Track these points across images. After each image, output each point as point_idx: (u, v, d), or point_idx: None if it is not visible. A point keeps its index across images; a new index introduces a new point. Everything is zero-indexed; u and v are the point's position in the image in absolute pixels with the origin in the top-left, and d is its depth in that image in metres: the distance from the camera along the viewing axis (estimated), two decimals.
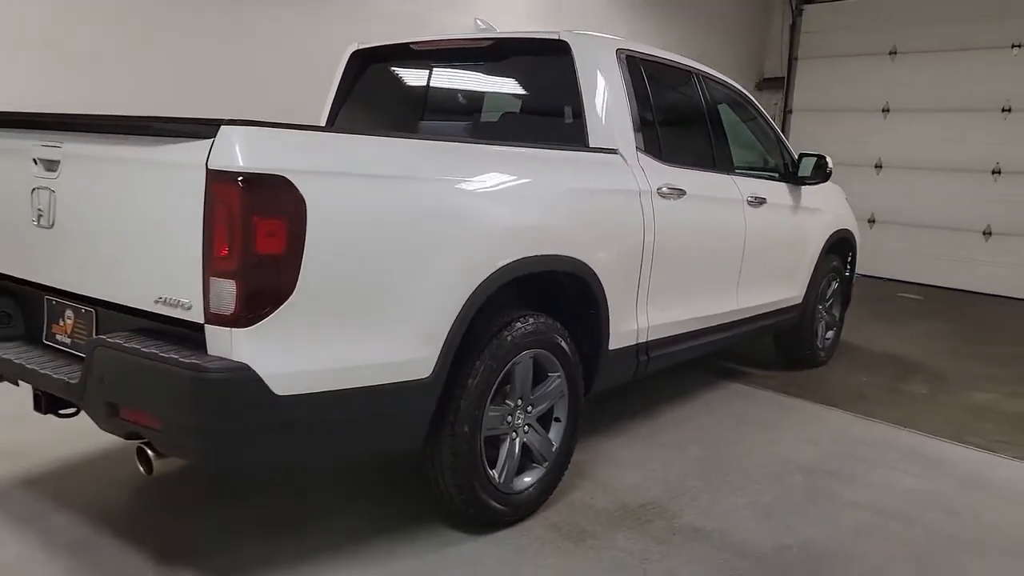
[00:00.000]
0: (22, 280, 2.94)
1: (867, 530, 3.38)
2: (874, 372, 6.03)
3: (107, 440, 3.67)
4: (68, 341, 2.82)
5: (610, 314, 3.58)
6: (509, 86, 4.41)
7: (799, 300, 5.51)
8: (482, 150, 3.14)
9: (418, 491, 3.37)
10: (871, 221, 10.79)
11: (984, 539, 3.36)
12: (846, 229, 5.99)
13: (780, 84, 12.09)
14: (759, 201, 4.74)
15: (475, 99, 4.51)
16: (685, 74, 4.57)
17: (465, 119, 4.48)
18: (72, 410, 2.85)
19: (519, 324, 3.10)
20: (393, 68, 4.69)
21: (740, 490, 3.70)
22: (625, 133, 3.77)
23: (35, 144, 2.75)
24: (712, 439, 4.35)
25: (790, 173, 5.28)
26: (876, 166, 11.02)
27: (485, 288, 2.85)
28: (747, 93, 5.31)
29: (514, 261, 2.97)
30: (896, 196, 10.74)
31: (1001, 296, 9.99)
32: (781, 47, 12.10)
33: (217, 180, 2.22)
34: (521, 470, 3.25)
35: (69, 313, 2.81)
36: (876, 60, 10.99)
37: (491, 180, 3.01)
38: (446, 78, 4.54)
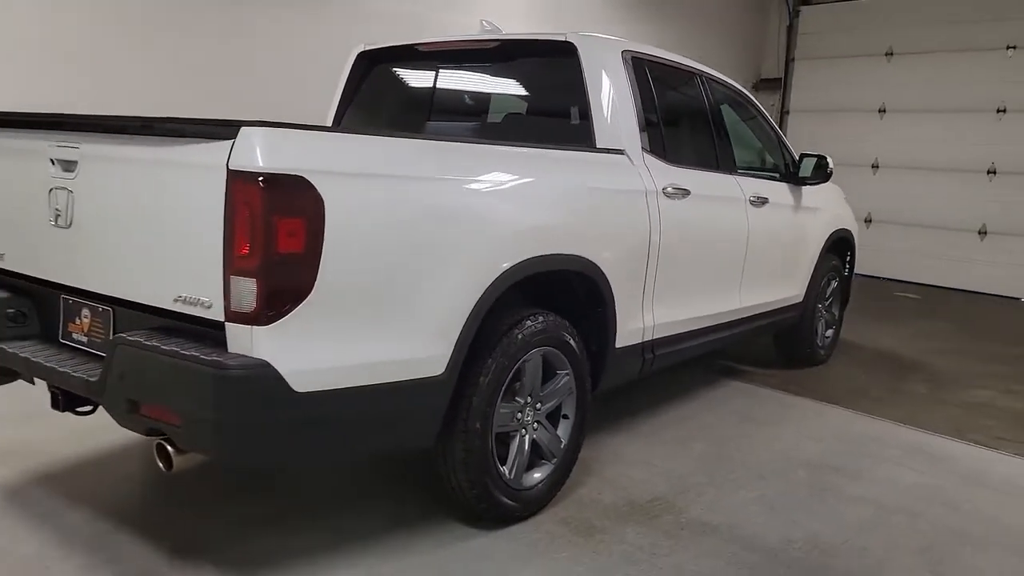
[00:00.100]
0: (38, 279, 2.97)
1: (872, 524, 3.43)
2: (873, 370, 6.09)
3: (116, 438, 3.76)
4: (85, 340, 2.85)
5: (617, 312, 3.62)
6: (515, 87, 4.46)
7: (800, 299, 5.56)
8: (494, 151, 3.18)
9: (429, 487, 3.41)
10: (868, 221, 10.85)
11: (987, 534, 3.41)
12: (845, 229, 6.05)
13: (777, 85, 12.16)
14: (761, 201, 4.79)
15: (481, 100, 4.56)
16: (688, 75, 4.62)
17: (471, 120, 4.52)
18: (89, 408, 2.89)
19: (529, 322, 3.14)
20: (399, 69, 4.73)
21: (745, 486, 3.75)
22: (631, 134, 3.82)
23: (52, 145, 2.78)
24: (715, 436, 4.40)
25: (791, 173, 5.33)
26: (873, 166, 11.09)
27: (497, 286, 2.89)
28: (748, 94, 5.36)
29: (526, 260, 3.01)
30: (893, 196, 10.82)
31: (997, 295, 10.07)
32: (778, 48, 12.17)
33: (238, 180, 2.26)
34: (531, 466, 3.30)
35: (86, 312, 2.84)
36: (873, 61, 11.07)
37: (503, 180, 3.05)
38: (452, 79, 4.58)
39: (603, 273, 3.47)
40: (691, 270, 4.19)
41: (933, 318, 8.60)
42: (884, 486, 3.83)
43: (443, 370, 2.77)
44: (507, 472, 3.14)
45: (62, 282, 2.85)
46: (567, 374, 3.37)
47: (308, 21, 6.93)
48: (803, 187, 5.37)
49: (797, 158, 5.37)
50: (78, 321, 2.87)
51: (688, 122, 4.69)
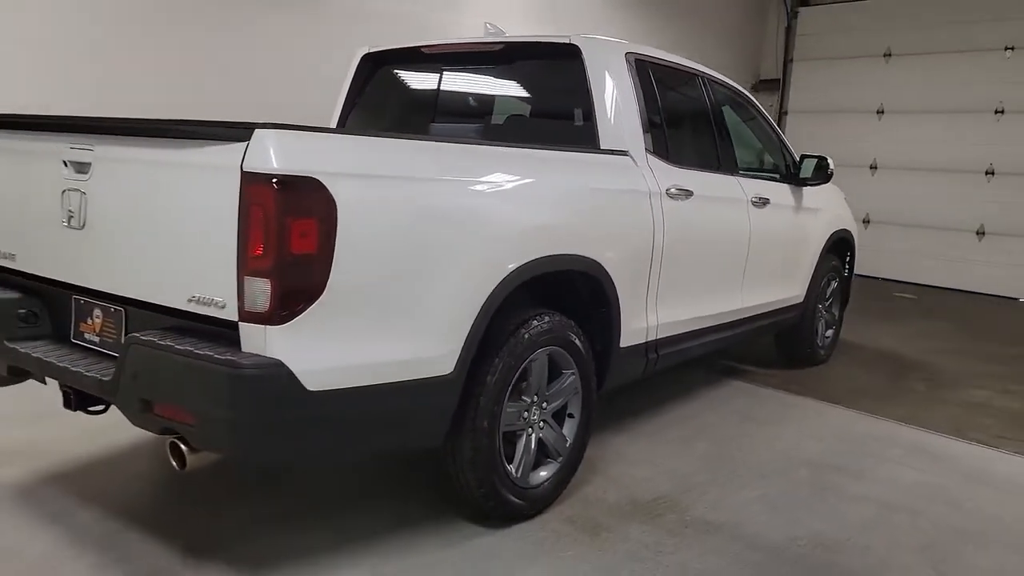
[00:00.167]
0: (49, 280, 2.99)
1: (874, 523, 3.46)
2: (873, 370, 6.13)
3: (125, 437, 3.79)
4: (96, 340, 2.88)
5: (621, 313, 3.65)
6: (519, 89, 4.49)
7: (800, 299, 5.60)
8: (503, 152, 3.20)
9: (435, 486, 3.44)
10: (866, 221, 10.90)
11: (988, 532, 3.45)
12: (845, 229, 6.09)
13: (776, 86, 12.20)
14: (763, 202, 4.82)
15: (485, 102, 4.59)
16: (690, 76, 4.65)
17: (475, 122, 4.55)
18: (101, 407, 2.91)
19: (535, 322, 3.17)
20: (403, 71, 4.76)
21: (748, 485, 3.78)
22: (635, 135, 3.85)
23: (65, 146, 2.80)
24: (717, 435, 4.43)
25: (792, 174, 5.37)
26: (871, 167, 11.14)
27: (505, 286, 2.92)
28: (749, 95, 5.39)
29: (533, 260, 3.04)
30: (891, 197, 10.86)
31: (994, 295, 10.12)
32: (776, 49, 12.22)
33: (252, 182, 2.29)
34: (537, 465, 3.33)
35: (97, 312, 2.86)
36: (871, 62, 11.12)
37: (511, 182, 3.08)
38: (456, 81, 4.61)
39: (608, 273, 3.50)
40: (694, 270, 4.23)
41: (932, 318, 8.64)
42: (886, 485, 3.86)
43: (452, 369, 2.80)
44: (514, 471, 3.17)
45: (74, 282, 2.88)
46: (573, 374, 3.40)
47: (308, 21, 6.95)
48: (804, 188, 5.41)
49: (798, 159, 5.40)
50: (90, 321, 2.89)
51: (690, 123, 4.72)
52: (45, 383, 3.04)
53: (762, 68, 12.44)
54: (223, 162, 2.34)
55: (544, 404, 3.31)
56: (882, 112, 11.07)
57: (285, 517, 3.21)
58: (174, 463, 2.54)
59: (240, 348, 2.37)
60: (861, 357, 6.51)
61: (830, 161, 5.30)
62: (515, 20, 8.39)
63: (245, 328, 2.35)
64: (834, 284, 6.11)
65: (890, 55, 10.98)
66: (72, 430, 3.78)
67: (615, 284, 3.56)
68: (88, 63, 5.70)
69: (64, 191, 2.81)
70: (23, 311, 3.02)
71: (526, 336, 3.11)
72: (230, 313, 2.37)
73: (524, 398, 3.21)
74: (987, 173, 10.24)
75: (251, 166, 2.29)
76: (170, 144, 2.54)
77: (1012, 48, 9.95)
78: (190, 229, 2.49)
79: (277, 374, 2.33)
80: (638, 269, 3.76)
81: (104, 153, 2.71)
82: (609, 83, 3.82)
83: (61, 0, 5.61)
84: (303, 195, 2.34)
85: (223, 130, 2.39)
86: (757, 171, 5.31)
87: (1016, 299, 10.00)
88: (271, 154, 2.29)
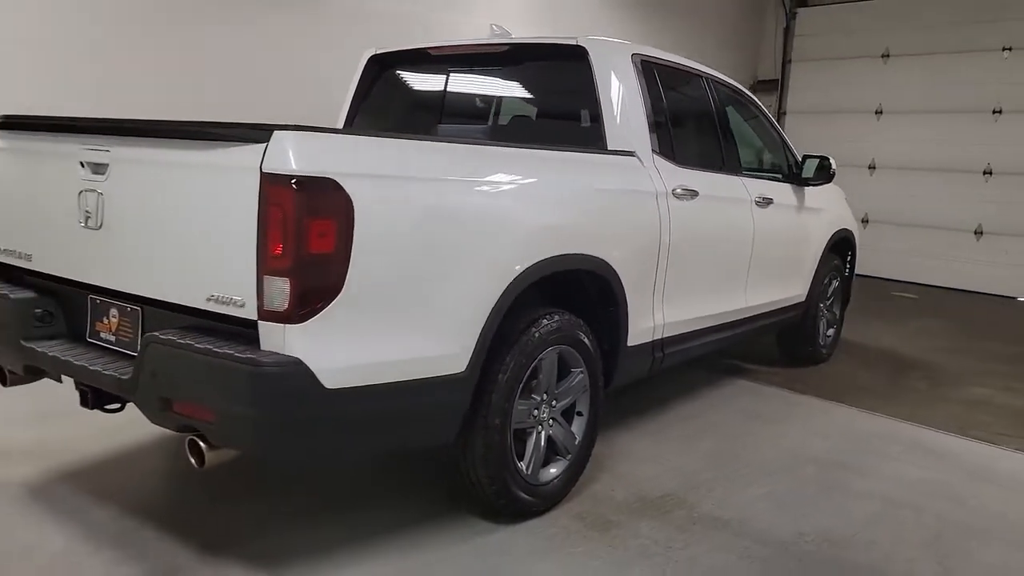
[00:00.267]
0: (65, 280, 3.02)
1: (879, 519, 3.50)
2: (874, 368, 6.17)
3: (137, 435, 3.83)
4: (112, 339, 2.91)
5: (629, 311, 3.69)
6: (526, 90, 4.53)
7: (803, 298, 5.64)
8: (515, 153, 3.24)
9: (448, 483, 3.47)
10: (865, 221, 10.94)
11: (992, 528, 3.49)
12: (847, 229, 6.14)
13: (774, 86, 12.24)
14: (766, 201, 4.86)
15: (492, 103, 4.62)
16: (695, 77, 4.69)
17: (482, 123, 4.58)
18: (117, 406, 2.94)
19: (545, 321, 3.21)
20: (410, 72, 4.80)
21: (754, 482, 3.82)
22: (641, 136, 3.89)
23: (82, 148, 2.84)
24: (722, 433, 4.47)
25: (794, 174, 5.41)
26: (870, 167, 11.19)
27: (517, 285, 2.96)
28: (752, 96, 5.43)
29: (544, 259, 3.08)
30: (889, 196, 10.91)
31: (992, 294, 10.17)
32: (775, 50, 12.26)
33: (271, 183, 2.32)
34: (546, 462, 3.36)
35: (114, 312, 2.89)
36: (869, 63, 11.16)
37: (523, 182, 3.13)
38: (463, 82, 4.64)
39: (616, 273, 3.54)
40: (699, 270, 4.27)
41: (931, 317, 8.69)
42: (890, 482, 3.90)
43: (465, 367, 2.84)
44: (525, 468, 3.21)
45: (91, 282, 2.91)
46: (581, 372, 3.44)
47: (308, 21, 6.97)
48: (806, 188, 5.45)
49: (800, 159, 5.44)
50: (106, 320, 2.92)
51: (695, 124, 4.76)
52: (61, 382, 3.07)
53: (761, 69, 12.48)
54: (242, 163, 2.38)
55: (553, 402, 3.35)
56: (880, 112, 11.12)
57: (299, 514, 3.24)
58: (193, 461, 2.56)
59: (259, 346, 2.40)
60: (862, 356, 6.55)
61: (832, 161, 5.34)
62: (514, 20, 8.39)
63: (264, 327, 2.39)
64: (835, 283, 6.16)
65: (888, 56, 11.04)
66: (83, 429, 3.81)
67: (623, 283, 3.59)
68: (88, 63, 5.71)
69: (81, 192, 2.84)
70: (39, 311, 3.05)
71: (536, 335, 3.15)
72: (249, 312, 2.41)
73: (534, 396, 3.25)
74: (985, 173, 10.29)
75: (270, 167, 2.32)
76: (188, 145, 2.58)
77: (1010, 49, 10.00)
78: (208, 229, 2.52)
79: (296, 372, 2.36)
80: (645, 269, 3.79)
81: (121, 154, 2.74)
82: (616, 84, 3.86)
83: (61, 0, 5.62)
84: (321, 195, 2.37)
85: (242, 131, 2.42)
86: (760, 171, 5.35)
87: (1014, 298, 10.05)
88: (290, 155, 2.33)
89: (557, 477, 3.38)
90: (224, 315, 2.48)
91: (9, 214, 3.22)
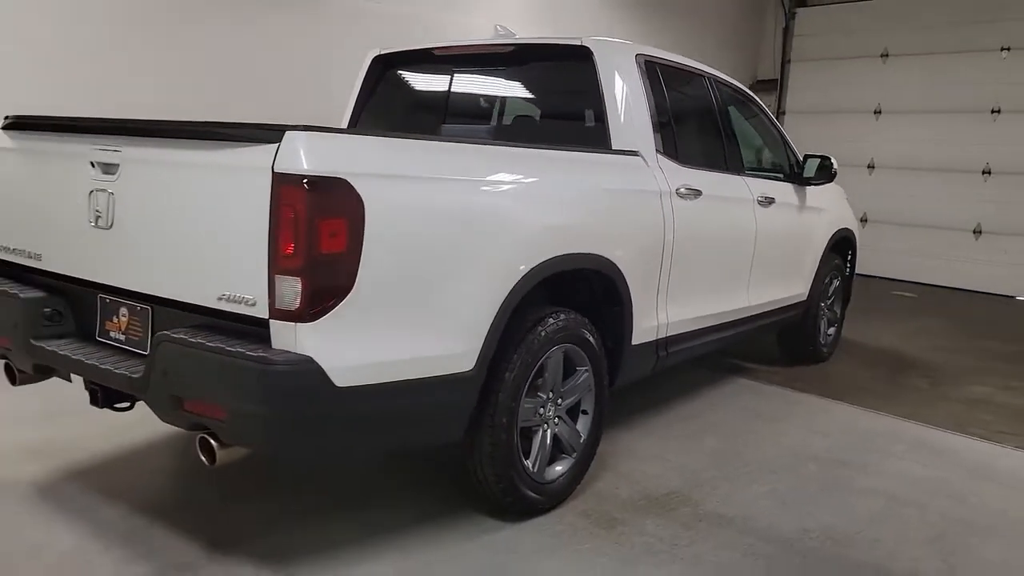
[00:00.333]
0: (74, 279, 3.03)
1: (882, 516, 3.53)
2: (875, 367, 6.20)
3: (144, 434, 3.84)
4: (122, 338, 2.92)
5: (633, 310, 3.71)
6: (530, 91, 4.55)
7: (804, 297, 5.67)
8: (523, 153, 3.26)
9: (455, 482, 3.50)
10: (864, 221, 10.96)
11: (994, 526, 3.51)
12: (847, 228, 6.16)
13: (773, 86, 12.27)
14: (768, 201, 4.89)
15: (496, 103, 4.64)
16: (697, 77, 4.71)
17: (486, 123, 4.60)
18: (126, 404, 2.96)
19: (551, 320, 3.23)
20: (414, 73, 4.82)
21: (757, 480, 3.84)
22: (645, 136, 3.91)
23: (92, 148, 2.85)
24: (725, 432, 4.49)
25: (795, 174, 5.43)
26: (869, 166, 11.22)
27: (524, 284, 2.98)
28: (754, 96, 5.46)
29: (550, 259, 3.10)
30: (888, 196, 10.94)
31: (992, 294, 10.21)
32: (774, 50, 12.29)
33: (283, 183, 2.34)
34: (552, 460, 3.39)
35: (123, 311, 2.91)
36: (868, 63, 11.20)
37: (530, 182, 3.15)
38: (467, 82, 4.66)
39: (621, 272, 3.56)
40: (702, 269, 4.29)
41: (930, 316, 8.72)
42: (892, 479, 3.93)
43: (472, 366, 2.86)
44: (531, 466, 3.23)
45: (101, 281, 2.92)
46: (586, 371, 3.46)
47: (308, 21, 6.98)
48: (807, 187, 5.48)
49: (801, 159, 5.47)
50: (115, 319, 2.94)
51: (698, 123, 4.78)
52: (71, 381, 3.09)
53: (760, 69, 12.51)
54: (254, 163, 2.39)
55: (559, 400, 3.37)
56: (879, 112, 11.16)
57: (307, 512, 3.26)
58: (204, 459, 2.58)
59: (270, 345, 2.42)
60: (862, 355, 6.58)
61: (833, 161, 5.37)
62: (514, 20, 8.39)
63: (275, 325, 2.41)
64: (836, 283, 6.18)
65: (887, 56, 11.07)
66: (91, 427, 3.83)
67: (628, 283, 3.62)
68: (88, 63, 5.72)
69: (91, 191, 2.85)
70: (48, 310, 3.06)
71: (542, 334, 3.17)
72: (260, 311, 2.42)
73: (540, 395, 3.27)
74: (984, 173, 10.33)
75: (282, 167, 2.34)
76: (199, 145, 2.59)
77: (1008, 49, 10.04)
78: (219, 229, 2.54)
79: (308, 370, 2.38)
80: (650, 268, 3.82)
81: (132, 154, 2.75)
82: (620, 84, 3.88)
83: (61, 1, 5.63)
84: (333, 195, 2.39)
85: (254, 132, 2.44)
86: (762, 170, 5.37)
87: (1013, 297, 10.09)
88: (302, 155, 2.35)
89: (563, 475, 3.40)
90: (235, 314, 2.50)
91: (18, 214, 3.24)
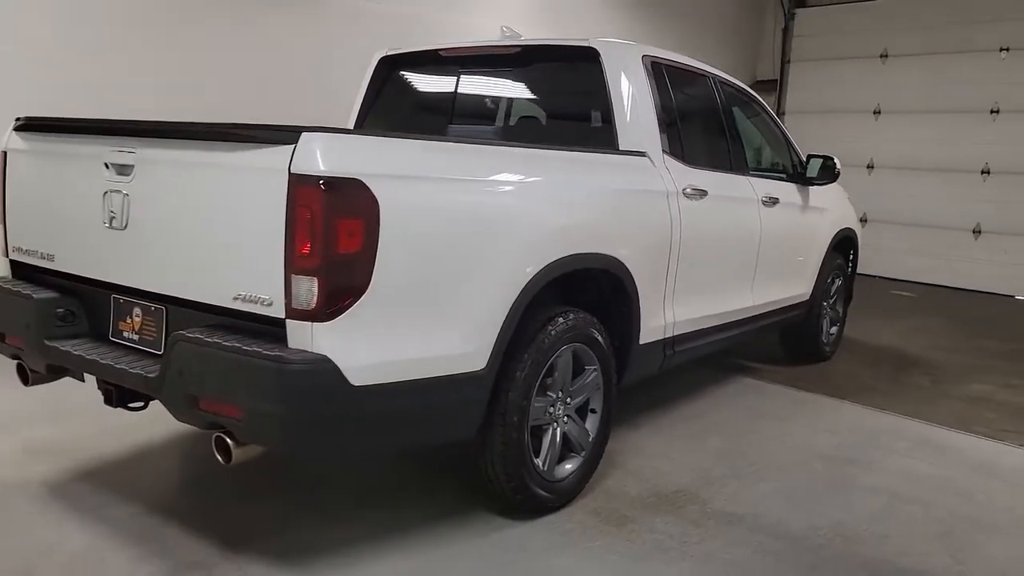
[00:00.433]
0: (88, 279, 3.05)
1: (889, 513, 3.55)
2: (877, 366, 6.23)
3: (153, 433, 3.86)
4: (136, 338, 2.94)
5: (641, 310, 3.73)
6: (537, 92, 4.57)
7: (807, 297, 5.69)
8: (533, 154, 3.28)
9: (466, 480, 3.51)
10: (863, 221, 10.95)
11: (999, 522, 3.54)
12: (849, 228, 6.19)
13: (773, 87, 12.30)
14: (773, 201, 4.91)
15: (503, 104, 4.66)
16: (702, 78, 4.74)
17: (493, 124, 4.62)
18: (140, 404, 2.98)
19: (561, 319, 3.25)
20: (421, 74, 4.84)
21: (765, 478, 3.87)
22: (652, 136, 3.93)
23: (107, 149, 2.86)
24: (731, 431, 4.52)
25: (799, 174, 5.46)
26: (868, 167, 11.25)
27: (535, 284, 3.01)
28: (758, 96, 5.48)
29: (560, 258, 3.13)
30: (888, 196, 10.97)
31: (991, 293, 10.24)
32: (774, 50, 12.32)
33: (300, 183, 2.36)
34: (561, 459, 3.41)
35: (137, 311, 2.92)
36: (867, 63, 11.23)
37: (542, 182, 3.18)
38: (474, 83, 4.68)
39: (629, 272, 3.59)
40: (708, 269, 4.31)
41: (930, 315, 8.75)
42: (898, 477, 3.95)
43: (484, 365, 2.88)
44: (541, 464, 3.25)
45: (115, 282, 2.94)
46: (595, 370, 3.49)
47: (308, 21, 7.00)
48: (810, 187, 5.50)
49: (804, 159, 5.50)
50: (129, 320, 2.95)
51: (703, 124, 4.81)
52: (84, 381, 3.10)
53: (760, 69, 12.54)
54: (270, 164, 2.41)
55: (568, 399, 3.39)
56: (879, 112, 11.19)
57: (319, 510, 3.28)
58: (220, 457, 2.60)
59: (286, 344, 2.44)
60: (864, 354, 6.61)
61: (836, 161, 5.39)
62: (515, 20, 8.40)
63: (292, 325, 2.42)
64: (838, 282, 6.21)
65: (887, 56, 11.10)
66: (103, 427, 3.84)
67: (636, 282, 3.64)
68: (88, 63, 5.73)
69: (106, 192, 2.87)
70: (61, 310, 3.07)
71: (552, 333, 3.19)
72: (276, 310, 2.44)
73: (550, 393, 3.29)
74: (983, 172, 10.36)
75: (298, 168, 2.36)
76: (214, 146, 2.61)
77: (1007, 49, 10.07)
78: (234, 229, 2.56)
79: (324, 369, 2.40)
80: (657, 267, 3.84)
81: (146, 155, 2.77)
82: (627, 85, 3.90)
83: (61, 1, 5.64)
84: (348, 196, 2.41)
85: (269, 133, 2.46)
86: (766, 170, 5.39)
87: (1012, 296, 10.13)
88: (318, 156, 2.37)
89: (572, 473, 3.42)
90: (251, 313, 2.51)
91: (32, 215, 3.25)
